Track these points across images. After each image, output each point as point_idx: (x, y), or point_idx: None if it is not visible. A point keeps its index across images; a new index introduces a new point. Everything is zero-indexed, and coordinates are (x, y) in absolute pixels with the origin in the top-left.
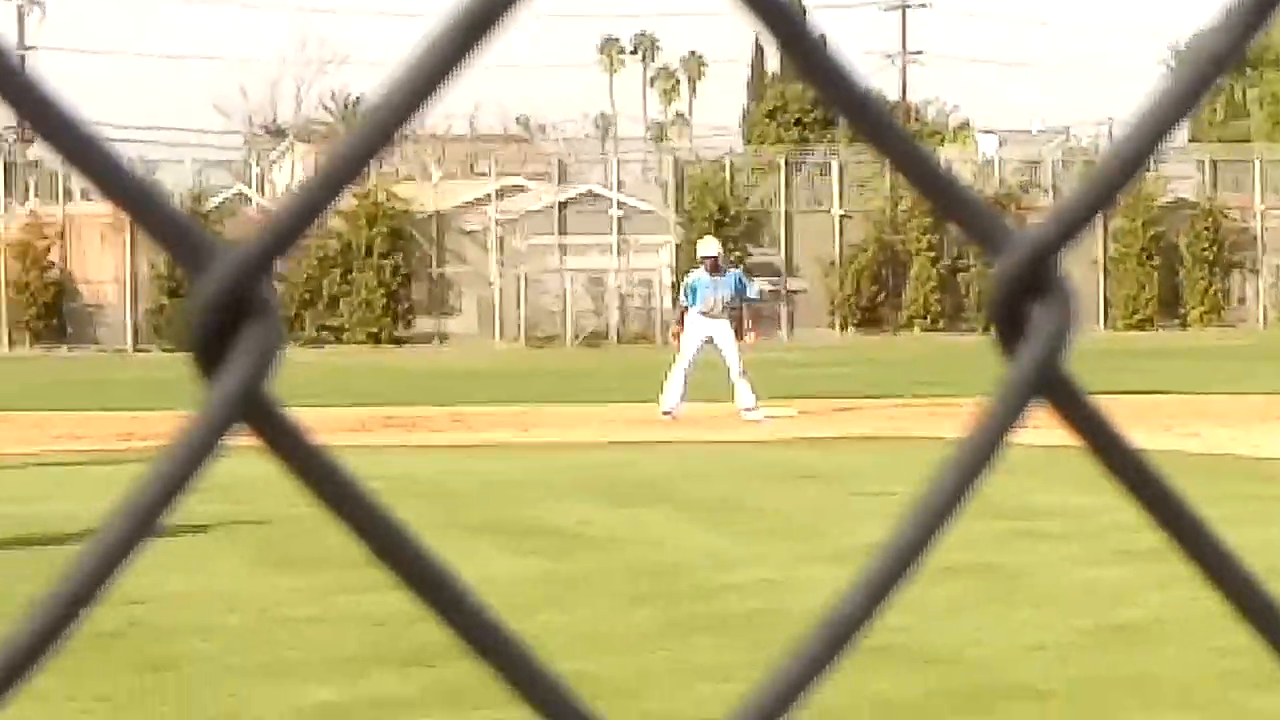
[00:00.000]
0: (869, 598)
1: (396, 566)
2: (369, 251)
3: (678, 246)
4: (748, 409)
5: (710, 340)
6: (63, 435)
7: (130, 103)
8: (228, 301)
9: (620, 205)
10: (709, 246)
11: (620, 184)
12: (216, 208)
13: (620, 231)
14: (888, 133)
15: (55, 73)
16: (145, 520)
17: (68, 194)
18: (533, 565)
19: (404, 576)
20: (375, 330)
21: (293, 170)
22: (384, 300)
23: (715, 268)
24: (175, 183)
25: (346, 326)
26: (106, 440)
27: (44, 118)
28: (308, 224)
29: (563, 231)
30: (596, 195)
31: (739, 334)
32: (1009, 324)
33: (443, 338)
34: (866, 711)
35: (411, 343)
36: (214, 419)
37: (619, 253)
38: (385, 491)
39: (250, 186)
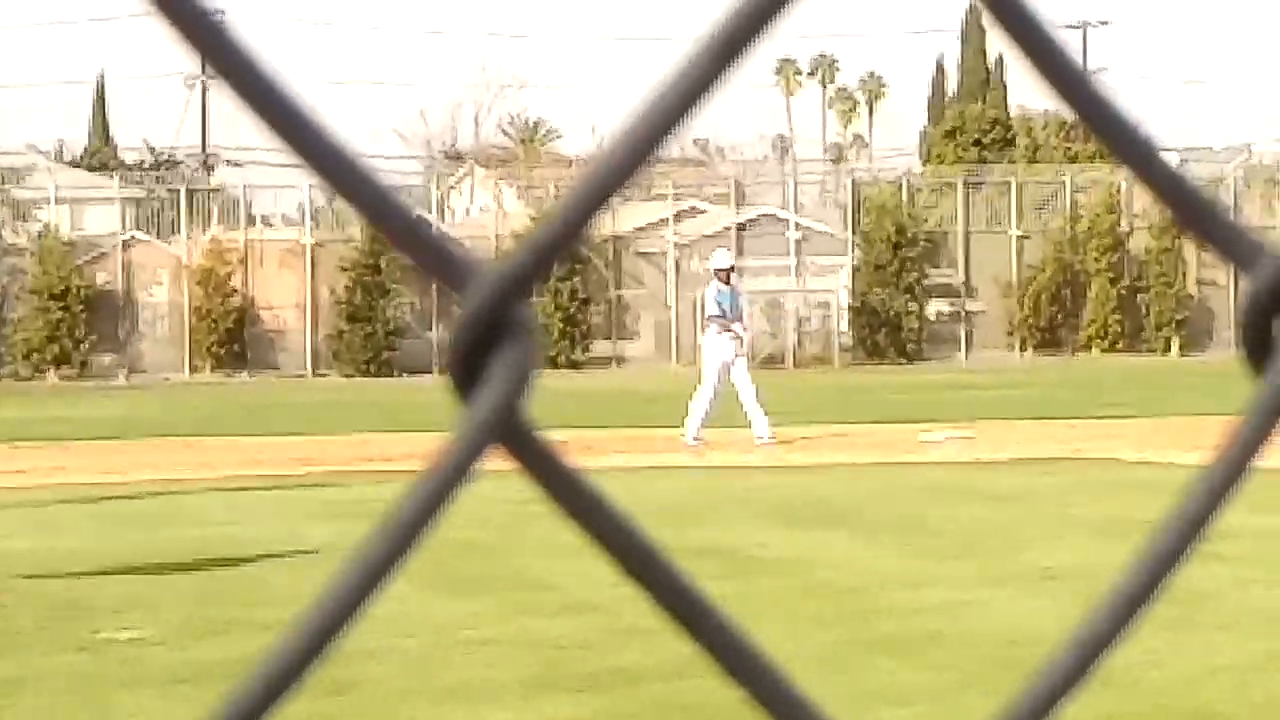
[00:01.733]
0: (1118, 617)
1: (650, 588)
2: (547, 275)
3: (855, 269)
4: (762, 439)
5: (729, 365)
6: (244, 460)
7: None
8: (486, 322)
9: (798, 227)
10: (723, 259)
11: (798, 206)
12: None
13: (798, 253)
14: (1135, 147)
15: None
16: (404, 540)
17: (250, 220)
18: (711, 587)
19: (658, 598)
20: (553, 354)
21: (472, 194)
22: (561, 324)
23: (727, 280)
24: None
25: None
26: (287, 465)
27: (312, 147)
28: (566, 245)
29: (740, 253)
30: (774, 218)
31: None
32: (1258, 343)
33: (620, 361)
34: None
35: (589, 366)
36: (471, 440)
37: (796, 275)
38: (560, 514)
39: (430, 211)
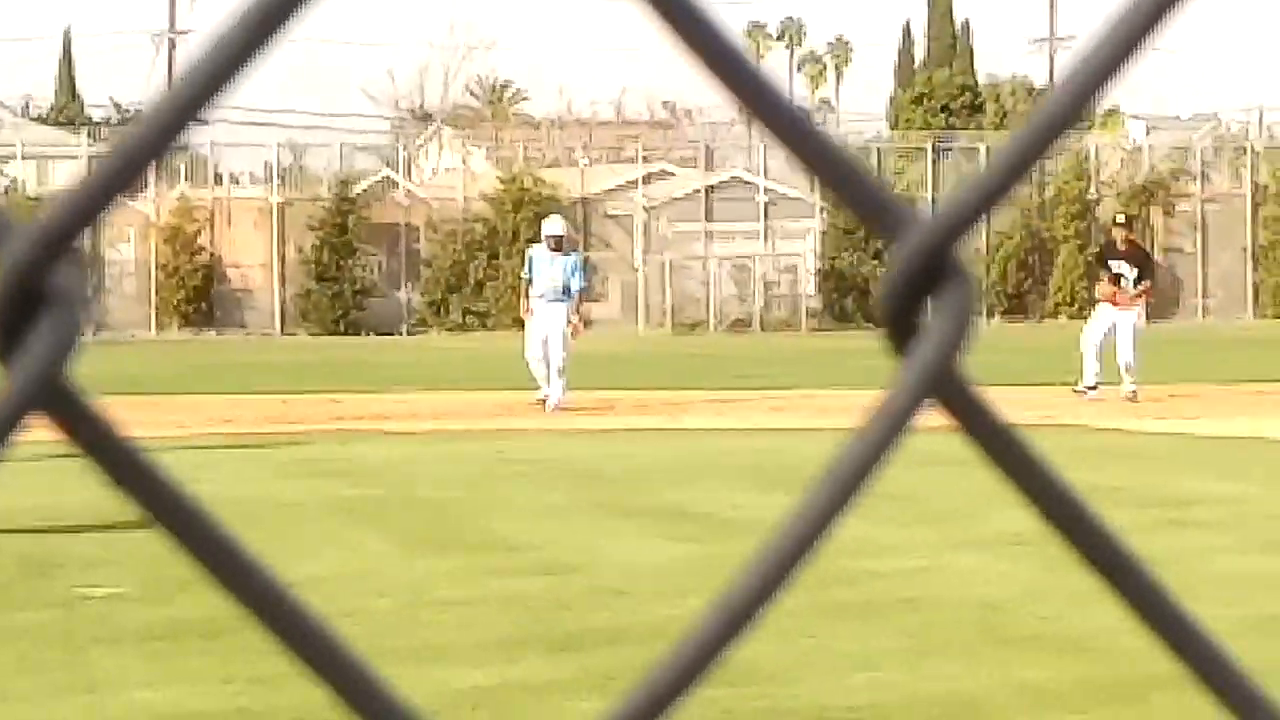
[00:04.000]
0: (763, 586)
1: (199, 558)
2: (515, 236)
3: (824, 233)
4: (555, 407)
5: (546, 323)
6: (212, 418)
7: (280, 87)
8: (20, 287)
9: (766, 191)
10: (554, 226)
11: (767, 169)
12: (364, 191)
13: (766, 217)
14: (779, 111)
15: None
16: None
17: (217, 178)
18: (682, 550)
19: (209, 568)
20: (521, 315)
21: (439, 154)
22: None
23: (558, 247)
24: (324, 167)
25: (492, 311)
26: (255, 423)
27: None
28: (99, 208)
29: (709, 217)
30: (743, 181)
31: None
32: (902, 320)
33: (587, 323)
34: (1015, 700)
35: None
36: (8, 411)
37: (765, 238)
38: (534, 474)
39: (397, 171)
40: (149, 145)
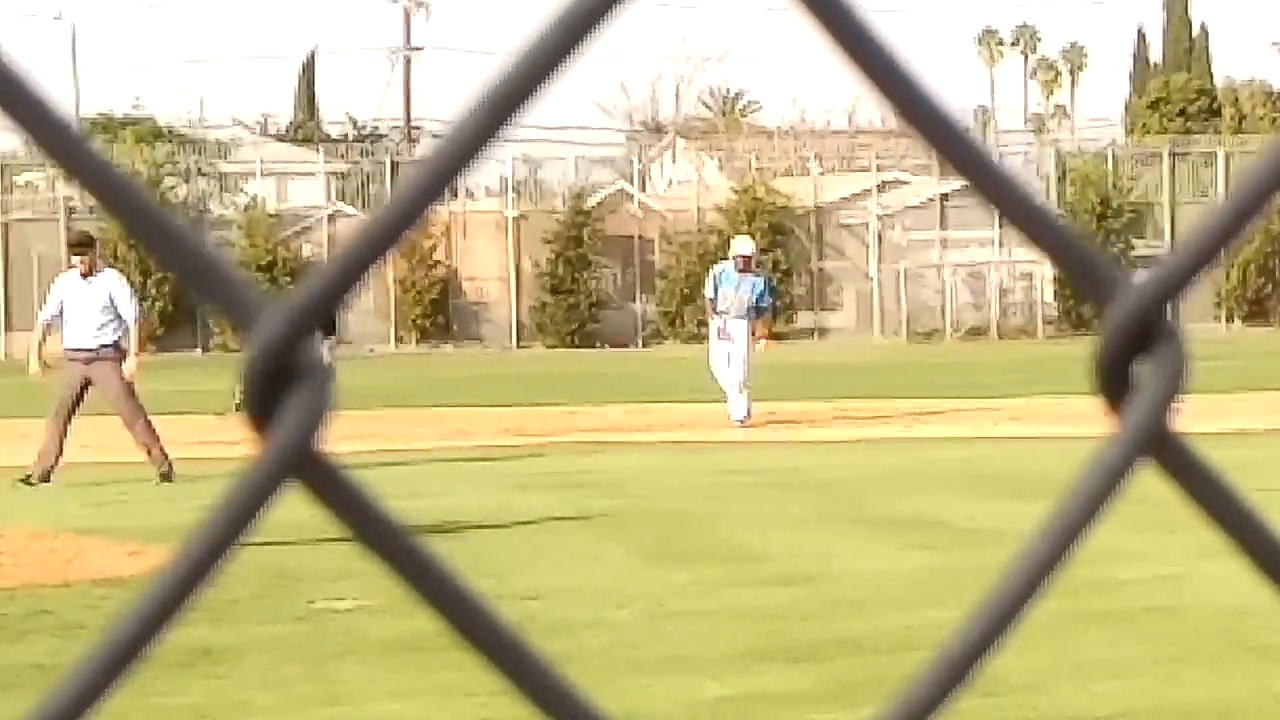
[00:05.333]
0: (980, 640)
1: (460, 624)
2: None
3: None
4: (740, 420)
5: (730, 340)
6: (451, 431)
7: None
8: (275, 360)
9: None
10: (744, 246)
11: None
12: (598, 204)
13: (1001, 224)
14: (980, 166)
15: (441, 73)
16: (200, 568)
17: (453, 192)
18: (921, 559)
19: (473, 638)
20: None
21: (673, 166)
22: None
23: (746, 267)
24: (559, 180)
25: None
26: (493, 436)
27: (96, 180)
28: (354, 281)
29: (943, 225)
30: None
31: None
32: (1115, 382)
33: (822, 332)
34: (1270, 710)
35: (791, 338)
36: (265, 477)
37: (1000, 245)
38: (770, 485)
39: (631, 183)
40: (394, 225)
